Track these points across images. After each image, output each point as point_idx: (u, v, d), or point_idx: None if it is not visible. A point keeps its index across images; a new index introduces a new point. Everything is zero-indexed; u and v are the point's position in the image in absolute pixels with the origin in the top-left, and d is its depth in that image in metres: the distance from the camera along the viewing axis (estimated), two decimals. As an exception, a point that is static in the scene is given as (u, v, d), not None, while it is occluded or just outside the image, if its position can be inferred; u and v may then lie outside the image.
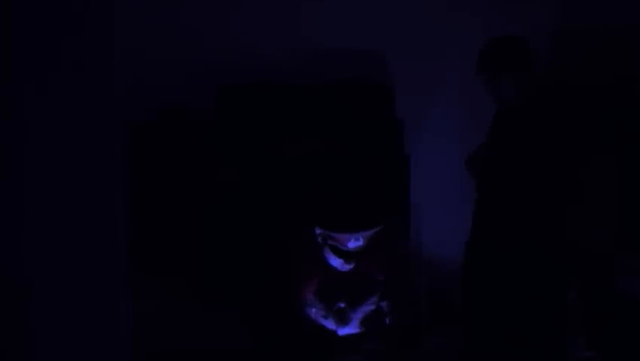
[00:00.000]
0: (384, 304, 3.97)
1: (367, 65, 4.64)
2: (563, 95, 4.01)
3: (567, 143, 3.85)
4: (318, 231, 3.87)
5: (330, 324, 3.92)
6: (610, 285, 3.95)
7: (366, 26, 4.60)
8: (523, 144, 3.89)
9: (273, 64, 4.52)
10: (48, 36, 3.07)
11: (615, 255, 3.96)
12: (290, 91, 4.52)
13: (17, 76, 3.07)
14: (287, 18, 4.56)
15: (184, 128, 4.51)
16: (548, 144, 3.85)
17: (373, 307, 3.95)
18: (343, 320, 3.91)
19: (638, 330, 3.87)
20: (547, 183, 3.85)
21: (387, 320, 3.96)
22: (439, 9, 4.61)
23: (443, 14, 4.61)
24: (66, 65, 3.10)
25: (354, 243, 3.82)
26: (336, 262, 3.87)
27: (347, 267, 3.88)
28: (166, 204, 4.42)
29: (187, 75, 4.53)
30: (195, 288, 4.30)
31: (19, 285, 3.14)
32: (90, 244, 3.18)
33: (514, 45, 3.91)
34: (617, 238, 3.96)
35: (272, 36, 4.56)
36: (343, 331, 3.93)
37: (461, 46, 4.43)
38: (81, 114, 3.13)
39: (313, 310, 3.93)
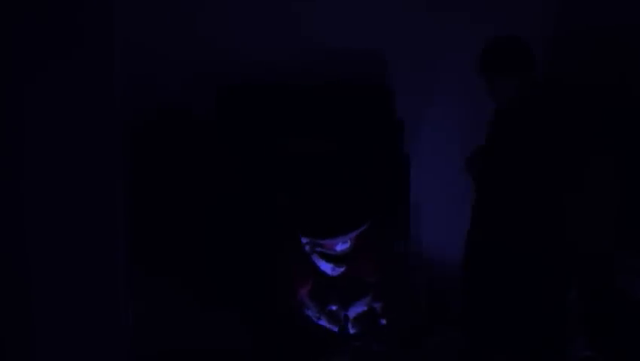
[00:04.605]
0: (377, 305, 3.96)
1: (366, 65, 4.64)
2: (563, 95, 4.01)
3: (566, 143, 3.85)
4: (304, 240, 3.86)
5: (324, 325, 3.93)
6: (609, 285, 3.95)
7: (365, 26, 4.60)
8: (523, 144, 3.89)
9: (273, 64, 4.52)
10: (48, 36, 3.08)
11: (615, 255, 3.96)
12: (289, 91, 4.52)
13: (16, 75, 3.07)
14: (286, 18, 4.56)
15: (184, 129, 4.51)
16: (548, 144, 3.85)
17: (365, 308, 3.95)
18: (336, 322, 3.91)
19: (638, 330, 3.88)
20: (546, 183, 3.86)
21: (382, 321, 3.96)
22: (439, 9, 4.61)
23: (443, 14, 4.61)
24: (66, 66, 3.10)
25: (342, 245, 3.82)
26: (326, 267, 3.87)
27: (338, 270, 3.88)
28: (165, 205, 4.43)
29: (186, 75, 4.53)
30: (195, 288, 4.30)
31: (19, 285, 3.14)
32: (90, 243, 3.18)
33: (514, 45, 3.91)
34: (617, 238, 3.96)
35: (272, 36, 4.56)
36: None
37: (461, 46, 4.43)
38: (81, 114, 3.14)
39: (308, 311, 3.94)
